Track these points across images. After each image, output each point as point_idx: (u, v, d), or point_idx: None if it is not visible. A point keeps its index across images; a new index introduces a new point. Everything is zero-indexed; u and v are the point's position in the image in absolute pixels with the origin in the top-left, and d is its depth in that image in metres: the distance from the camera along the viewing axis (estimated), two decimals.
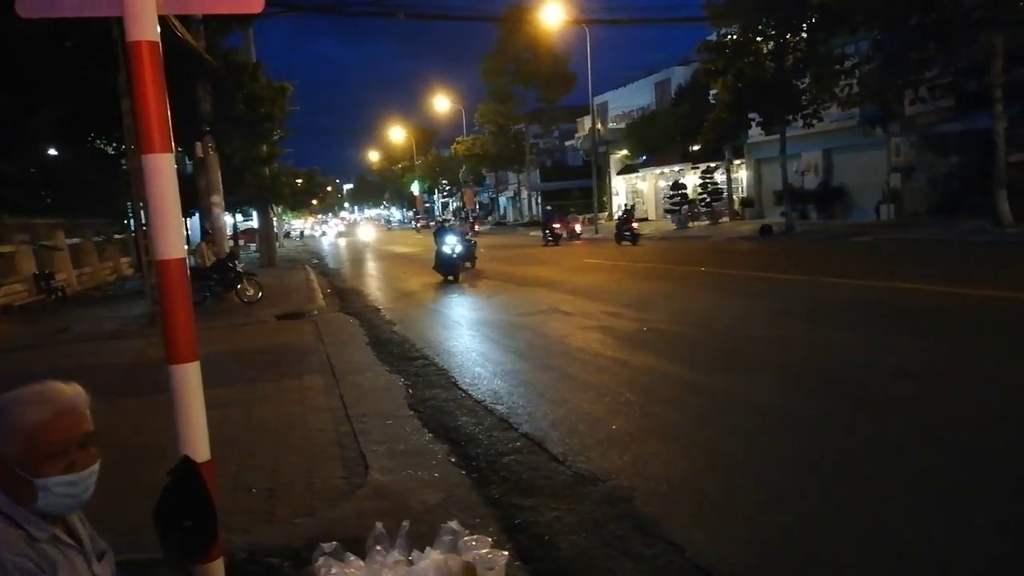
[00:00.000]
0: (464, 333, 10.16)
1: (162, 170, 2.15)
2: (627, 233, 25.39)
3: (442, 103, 57.78)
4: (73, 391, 1.64)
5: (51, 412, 1.58)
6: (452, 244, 16.86)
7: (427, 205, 78.98)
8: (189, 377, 2.22)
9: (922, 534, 3.35)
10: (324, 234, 69.96)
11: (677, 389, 6.26)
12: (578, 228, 32.54)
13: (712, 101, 28.95)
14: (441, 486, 4.35)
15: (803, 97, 24.08)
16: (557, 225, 29.41)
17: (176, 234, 2.19)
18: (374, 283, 19.43)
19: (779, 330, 8.52)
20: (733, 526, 3.64)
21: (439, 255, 17.05)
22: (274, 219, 33.47)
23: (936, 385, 5.76)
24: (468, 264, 18.47)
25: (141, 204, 13.70)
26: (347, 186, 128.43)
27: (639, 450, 4.78)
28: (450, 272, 16.72)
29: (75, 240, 21.47)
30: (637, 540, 3.51)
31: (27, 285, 17.24)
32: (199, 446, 2.25)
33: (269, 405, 6.51)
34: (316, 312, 12.96)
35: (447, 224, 20.56)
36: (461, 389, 6.82)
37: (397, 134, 74.33)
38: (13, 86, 13.39)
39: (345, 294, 16.55)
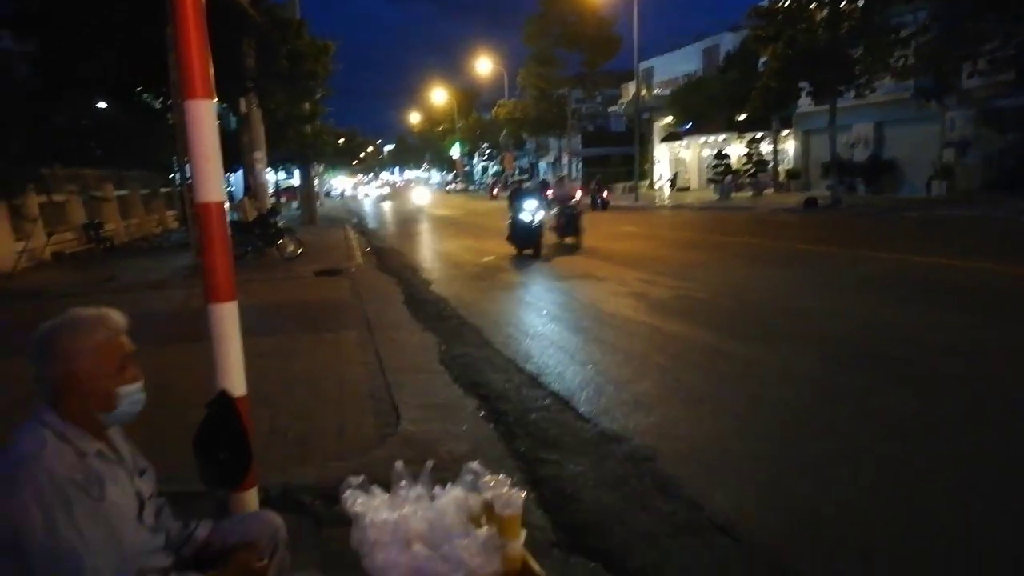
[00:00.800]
0: (498, 295, 10.23)
1: (203, 115, 2.22)
2: (598, 201, 29.10)
3: (484, 65, 57.24)
4: (119, 315, 1.81)
5: (112, 330, 1.75)
6: (532, 209, 14.07)
7: (466, 168, 78.84)
8: (227, 315, 2.31)
9: (959, 516, 3.29)
10: (367, 195, 65.42)
11: (708, 356, 6.25)
12: (578, 194, 33.99)
13: (761, 69, 28.20)
14: (469, 438, 4.45)
15: (856, 67, 23.28)
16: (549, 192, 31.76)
17: (216, 178, 2.26)
18: (412, 244, 19.58)
19: (820, 302, 8.38)
20: (755, 489, 3.66)
21: (515, 224, 14.30)
22: (315, 178, 33.79)
23: (985, 363, 5.64)
24: (570, 238, 15.47)
25: (186, 158, 13.98)
26: (388, 147, 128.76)
27: (665, 412, 4.82)
28: (528, 244, 14.07)
29: (123, 192, 22.03)
30: (657, 497, 3.57)
31: (77, 234, 17.81)
32: (236, 381, 2.34)
33: (305, 356, 6.68)
34: (354, 269, 13.15)
35: (525, 186, 16.87)
36: (493, 347, 6.91)
37: (438, 96, 74.03)
38: (62, 37, 13.67)
39: (383, 253, 16.73)
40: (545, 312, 8.61)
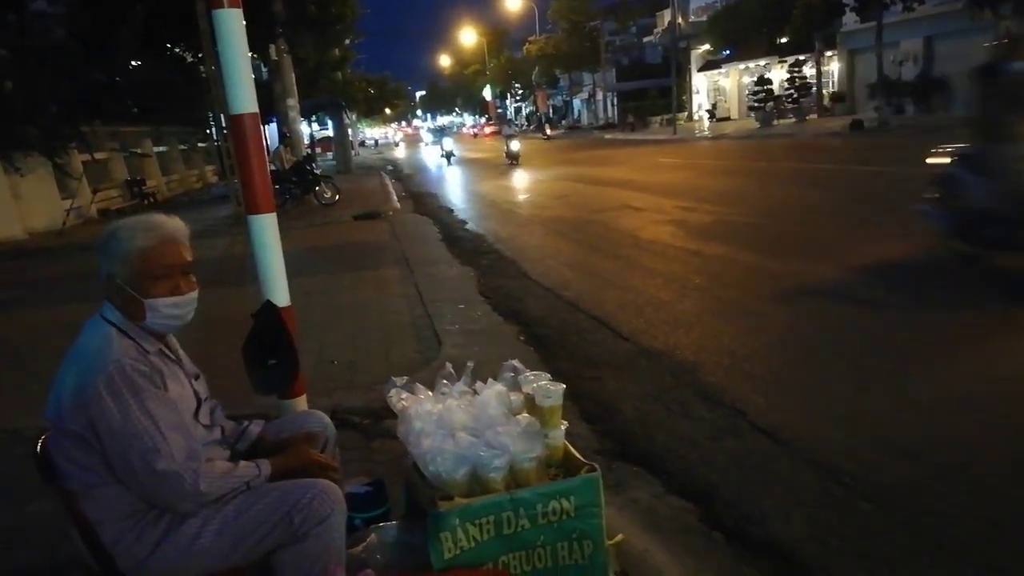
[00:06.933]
0: (534, 230, 10.21)
1: (231, 26, 2.22)
2: None
3: (514, 1, 55.86)
4: (175, 223, 1.81)
5: (157, 239, 1.74)
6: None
7: (499, 111, 77.82)
8: (267, 226, 2.36)
9: (1004, 427, 3.25)
10: (438, 144, 42.25)
11: (749, 275, 6.18)
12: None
13: None
14: (510, 359, 4.50)
15: None
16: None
17: (248, 89, 2.28)
18: (448, 187, 19.58)
19: (865, 218, 8.10)
20: (797, 396, 3.66)
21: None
22: (348, 128, 33.76)
23: None
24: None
25: (220, 112, 14.04)
26: (419, 93, 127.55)
27: (705, 329, 4.81)
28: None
29: (162, 148, 22.32)
30: (699, 406, 3.59)
31: (121, 191, 18.23)
32: (279, 292, 2.41)
33: (348, 292, 6.82)
34: (391, 212, 13.22)
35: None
36: (531, 278, 6.94)
37: (468, 37, 72.67)
38: None
39: (419, 197, 16.76)
40: (582, 243, 8.58)
